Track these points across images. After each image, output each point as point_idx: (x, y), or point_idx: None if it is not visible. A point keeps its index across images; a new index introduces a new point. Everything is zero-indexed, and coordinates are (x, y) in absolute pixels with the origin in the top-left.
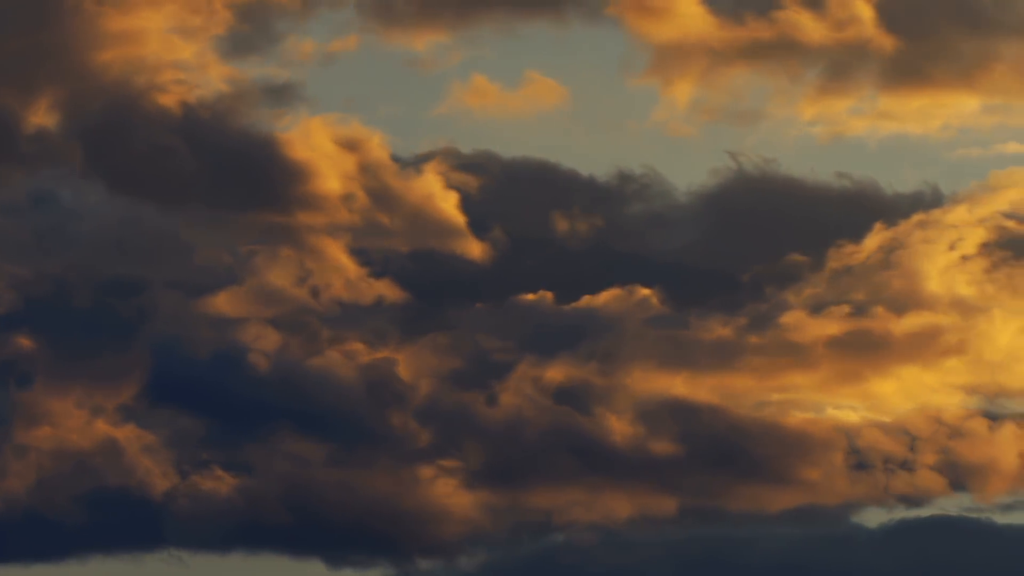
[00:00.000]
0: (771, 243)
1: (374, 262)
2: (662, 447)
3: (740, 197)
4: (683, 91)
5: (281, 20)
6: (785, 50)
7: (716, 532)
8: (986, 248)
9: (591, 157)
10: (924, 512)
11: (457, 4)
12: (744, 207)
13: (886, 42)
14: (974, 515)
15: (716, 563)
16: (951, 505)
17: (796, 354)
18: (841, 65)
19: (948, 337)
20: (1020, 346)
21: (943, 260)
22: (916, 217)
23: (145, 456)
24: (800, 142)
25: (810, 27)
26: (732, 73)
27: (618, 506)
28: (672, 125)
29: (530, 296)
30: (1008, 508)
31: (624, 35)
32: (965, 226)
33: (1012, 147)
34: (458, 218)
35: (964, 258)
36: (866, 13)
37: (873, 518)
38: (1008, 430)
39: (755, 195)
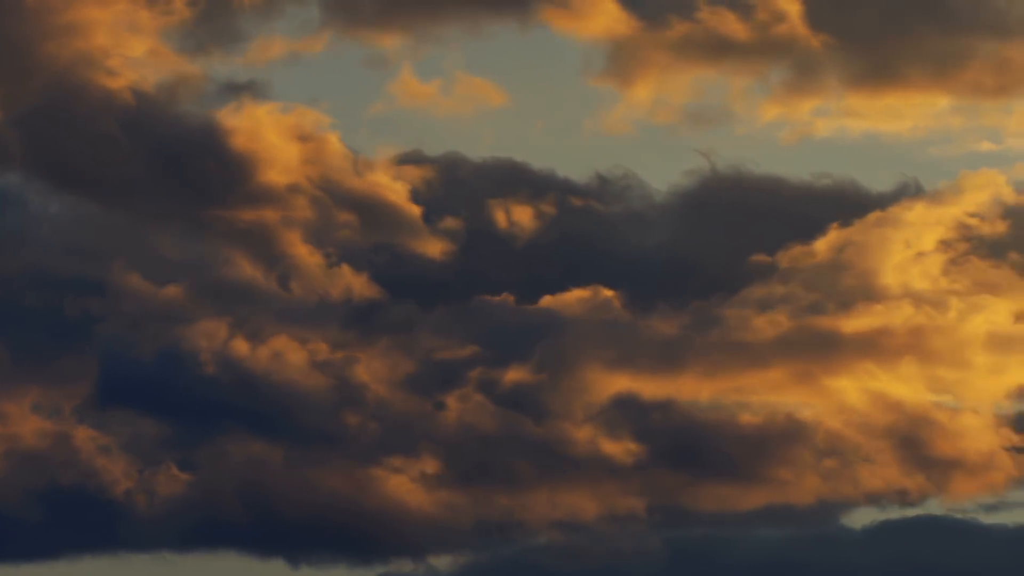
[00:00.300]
0: (736, 243)
1: (331, 258)
2: (622, 447)
3: (707, 197)
4: (643, 92)
5: (238, 16)
6: (748, 51)
7: (698, 533)
8: (948, 246)
9: (555, 157)
10: (909, 512)
11: (420, 5)
12: (710, 208)
13: (813, 41)
14: (959, 515)
15: (699, 565)
16: (935, 505)
17: (757, 352)
18: (807, 65)
19: (906, 334)
20: (977, 342)
21: (905, 258)
22: (876, 215)
23: (101, 457)
24: (764, 143)
25: (733, 27)
26: (694, 73)
27: (583, 506)
28: (636, 124)
29: (490, 296)
30: (992, 508)
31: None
32: (929, 224)
33: (983, 145)
34: (416, 216)
35: (922, 255)
36: (793, 11)
37: (857, 519)
38: (968, 423)
39: (720, 195)
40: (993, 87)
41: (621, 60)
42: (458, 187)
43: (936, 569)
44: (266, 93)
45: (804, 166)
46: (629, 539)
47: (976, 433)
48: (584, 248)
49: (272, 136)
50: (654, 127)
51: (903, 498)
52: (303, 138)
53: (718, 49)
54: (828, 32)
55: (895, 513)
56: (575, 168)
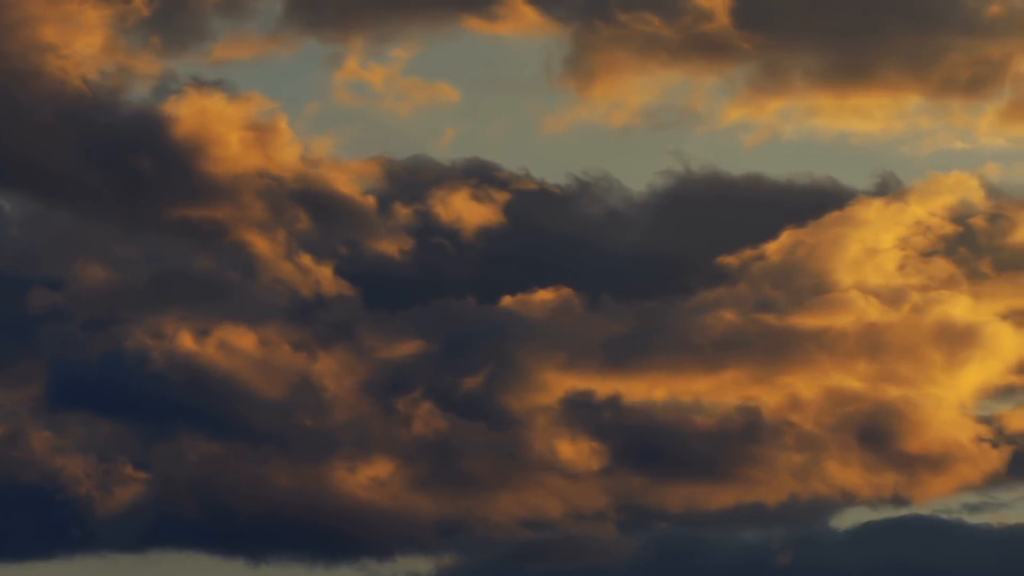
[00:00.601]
0: (700, 244)
1: (285, 255)
2: (581, 447)
3: (673, 199)
4: (607, 94)
5: (194, 14)
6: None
7: (674, 533)
8: (909, 243)
9: (513, 156)
10: (894, 513)
11: (378, 7)
12: (675, 209)
13: (743, 42)
14: (944, 515)
15: (682, 566)
16: (919, 505)
17: (719, 351)
18: (770, 65)
19: (865, 332)
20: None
21: (866, 257)
22: (836, 215)
23: (56, 459)
24: (729, 143)
25: (658, 29)
26: (662, 75)
27: (549, 506)
28: (605, 125)
29: (448, 296)
30: (977, 508)
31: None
32: (894, 224)
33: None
34: (372, 213)
35: (887, 253)
36: (720, 10)
37: (842, 520)
38: (931, 417)
39: (687, 197)
40: (965, 86)
41: (578, 62)
42: (416, 184)
43: (920, 570)
44: (220, 89)
45: (770, 167)
46: (602, 541)
47: (941, 428)
48: (544, 248)
49: (221, 128)
50: (611, 129)
51: (878, 494)
52: (254, 130)
53: (677, 51)
54: (758, 32)
55: (879, 514)
56: (533, 168)
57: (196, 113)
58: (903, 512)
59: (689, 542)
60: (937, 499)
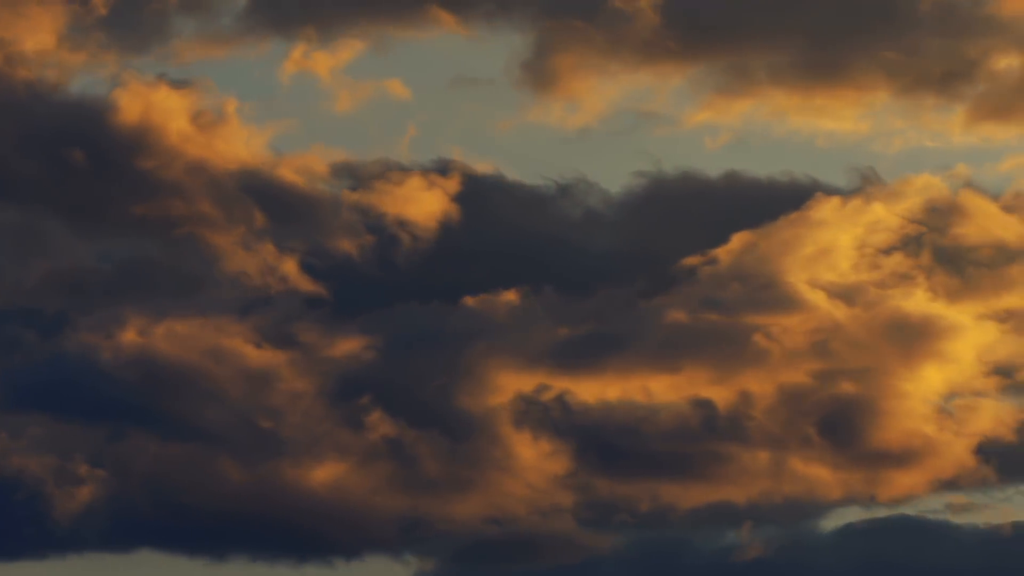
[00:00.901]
0: (663, 245)
1: (242, 251)
2: (541, 446)
3: (641, 199)
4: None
5: (148, 12)
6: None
7: (648, 532)
8: (872, 244)
9: (470, 154)
10: (879, 514)
11: (332, 8)
12: (642, 209)
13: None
14: (929, 516)
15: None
16: (908, 507)
17: (675, 350)
18: (737, 66)
19: (822, 331)
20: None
21: (829, 255)
22: (796, 214)
23: (11, 460)
24: (694, 145)
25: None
26: (625, 77)
27: (510, 505)
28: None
29: (404, 296)
30: (962, 509)
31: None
32: (858, 223)
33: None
34: (328, 213)
35: (850, 252)
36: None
37: (827, 520)
38: (888, 414)
39: (654, 197)
40: (935, 84)
41: (540, 63)
42: (370, 180)
43: (907, 569)
44: (166, 81)
45: (734, 168)
46: (565, 538)
47: (903, 424)
48: (502, 247)
49: (168, 120)
50: (571, 130)
51: (848, 492)
52: (202, 122)
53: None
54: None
55: (865, 514)
56: (492, 165)
57: (142, 106)
58: (879, 514)
59: (662, 542)
60: (903, 496)
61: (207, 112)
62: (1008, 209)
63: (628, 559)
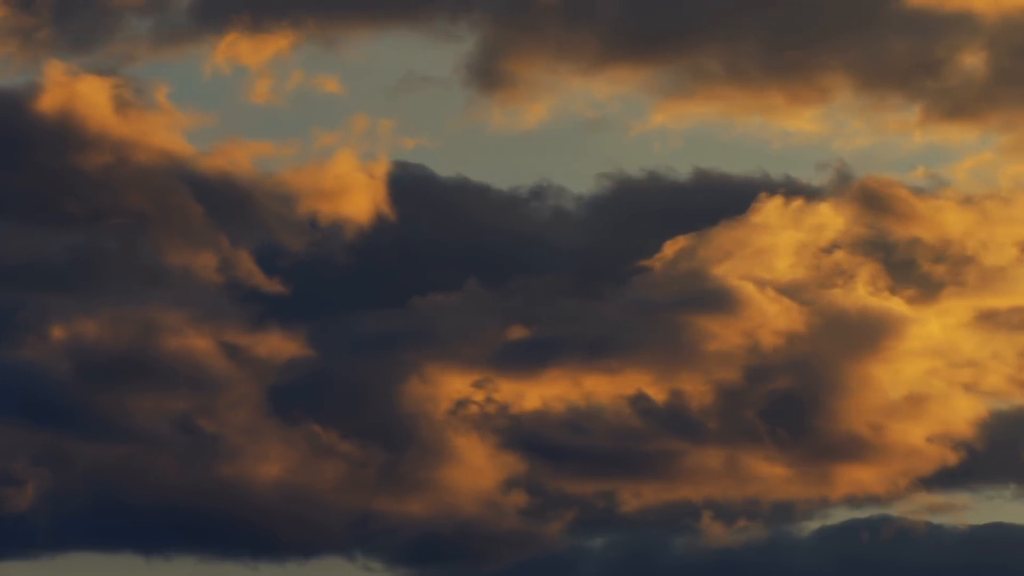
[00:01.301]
0: (611, 248)
1: (177, 249)
2: (486, 447)
3: (599, 201)
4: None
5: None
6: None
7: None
8: (816, 244)
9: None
10: (857, 514)
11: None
12: (599, 211)
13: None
14: (910, 516)
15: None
16: (890, 509)
17: (616, 351)
18: (692, 67)
19: (767, 329)
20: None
21: (777, 255)
22: (743, 215)
23: None
24: (647, 146)
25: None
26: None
27: (463, 506)
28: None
29: (347, 298)
30: (939, 510)
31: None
32: (808, 223)
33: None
34: (269, 211)
35: (798, 252)
36: None
37: (806, 522)
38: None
39: (613, 199)
40: (894, 84)
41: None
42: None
43: (889, 570)
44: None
45: (688, 168)
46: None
47: (849, 420)
48: (452, 248)
49: (96, 112)
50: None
51: (799, 491)
52: (131, 112)
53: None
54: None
55: (844, 515)
56: (446, 168)
57: (68, 97)
58: (869, 514)
59: (617, 541)
60: (856, 495)
61: (134, 102)
62: (966, 208)
63: (580, 557)
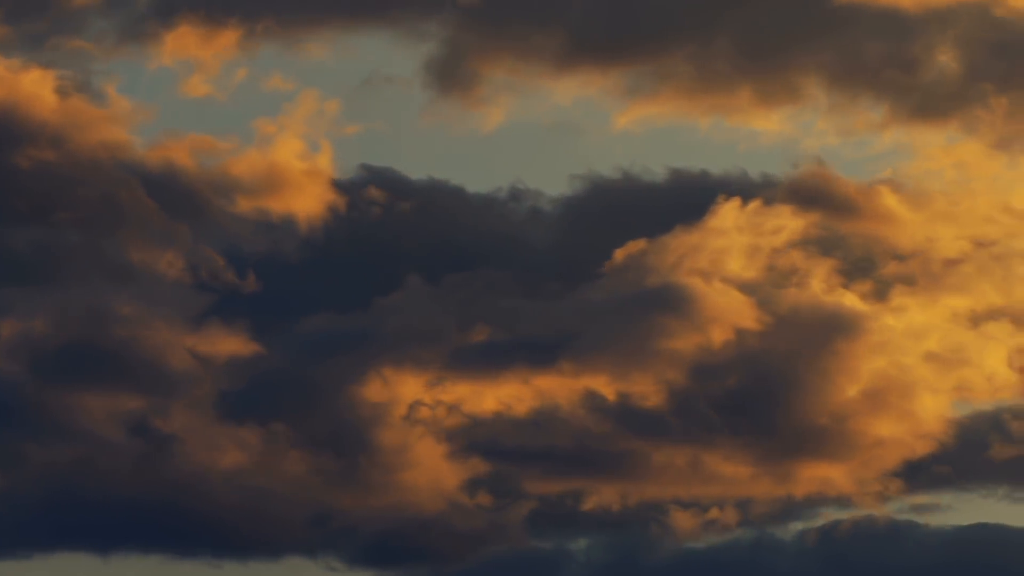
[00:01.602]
0: (577, 249)
1: (132, 245)
2: (444, 449)
3: (568, 203)
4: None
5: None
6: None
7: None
8: (782, 242)
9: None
10: (845, 515)
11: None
12: (568, 213)
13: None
14: (899, 517)
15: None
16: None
17: (576, 352)
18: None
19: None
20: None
21: (738, 255)
22: (705, 217)
23: None
24: (611, 148)
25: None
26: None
27: (425, 505)
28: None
29: (305, 301)
30: (925, 509)
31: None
32: (759, 224)
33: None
34: (218, 208)
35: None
36: None
37: (794, 525)
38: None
39: (585, 201)
40: (863, 84)
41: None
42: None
43: (879, 572)
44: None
45: (650, 169)
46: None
47: (814, 417)
48: (411, 248)
49: (36, 105)
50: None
51: (764, 488)
52: (76, 105)
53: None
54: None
55: (832, 516)
56: (412, 168)
57: (8, 89)
58: (856, 515)
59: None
60: (822, 492)
61: (81, 96)
62: (933, 208)
63: (547, 557)
